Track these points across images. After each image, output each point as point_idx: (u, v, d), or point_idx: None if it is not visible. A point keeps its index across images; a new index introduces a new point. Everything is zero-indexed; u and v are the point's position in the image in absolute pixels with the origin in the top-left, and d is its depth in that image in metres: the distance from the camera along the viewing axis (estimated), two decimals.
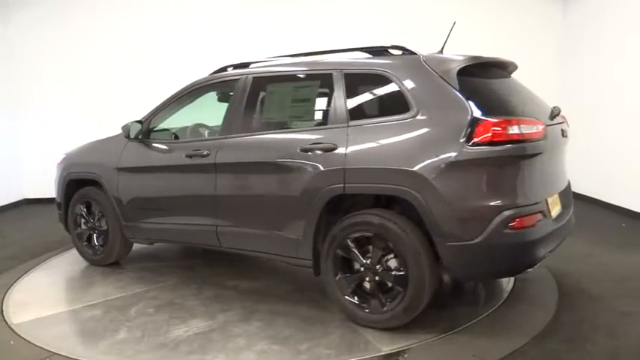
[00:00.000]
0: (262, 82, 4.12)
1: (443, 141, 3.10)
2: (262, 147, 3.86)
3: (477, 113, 3.06)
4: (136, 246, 5.15)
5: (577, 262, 4.79)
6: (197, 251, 5.23)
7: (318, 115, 3.80)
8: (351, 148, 3.37)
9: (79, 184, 5.06)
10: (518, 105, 3.43)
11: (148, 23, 8.26)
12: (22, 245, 5.90)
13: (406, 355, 3.08)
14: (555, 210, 3.48)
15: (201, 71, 4.78)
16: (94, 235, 5.01)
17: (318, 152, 3.49)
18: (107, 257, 4.94)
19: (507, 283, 4.16)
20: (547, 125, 3.32)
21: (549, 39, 8.28)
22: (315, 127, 3.73)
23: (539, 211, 3.17)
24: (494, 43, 8.21)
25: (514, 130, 3.01)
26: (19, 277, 4.75)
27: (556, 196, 3.56)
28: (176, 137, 4.60)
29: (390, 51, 3.73)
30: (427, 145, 3.15)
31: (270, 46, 7.22)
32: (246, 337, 3.39)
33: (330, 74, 3.65)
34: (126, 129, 4.63)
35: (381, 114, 3.49)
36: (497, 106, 3.24)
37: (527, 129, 3.08)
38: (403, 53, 3.64)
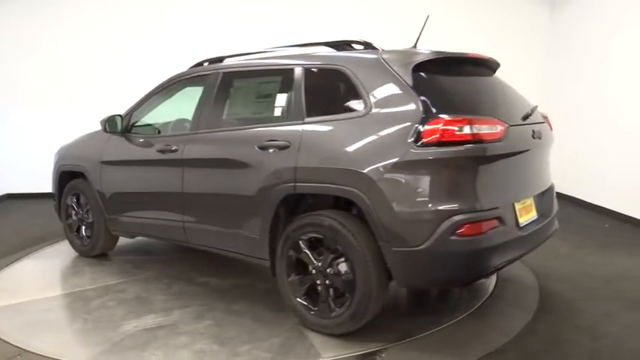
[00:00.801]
0: (230, 77, 4.07)
1: (391, 140, 2.95)
2: (224, 143, 3.82)
3: (428, 112, 2.89)
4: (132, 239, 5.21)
5: (559, 262, 4.76)
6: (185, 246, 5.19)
7: (279, 112, 3.71)
8: (303, 146, 3.27)
9: (70, 176, 5.13)
10: (483, 104, 3.29)
11: (128, 17, 8.14)
12: (4, 240, 5.77)
13: (383, 355, 3.02)
14: (528, 216, 3.32)
15: (184, 65, 4.72)
16: (82, 226, 5.06)
17: (273, 150, 3.41)
18: (93, 249, 5.00)
19: (489, 282, 4.12)
20: (512, 126, 3.12)
21: (536, 40, 8.29)
22: (274, 124, 3.62)
23: (495, 218, 2.95)
24: (481, 42, 8.23)
25: (466, 130, 2.82)
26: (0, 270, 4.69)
27: (529, 201, 3.40)
28: (159, 132, 4.60)
29: (354, 45, 3.61)
30: (375, 145, 3.00)
31: (255, 40, 7.16)
32: (191, 335, 3.34)
33: (292, 69, 3.56)
34: (103, 123, 4.65)
35: (336, 111, 3.33)
36: (456, 104, 3.06)
37: (482, 129, 2.88)
38: (365, 48, 3.53)
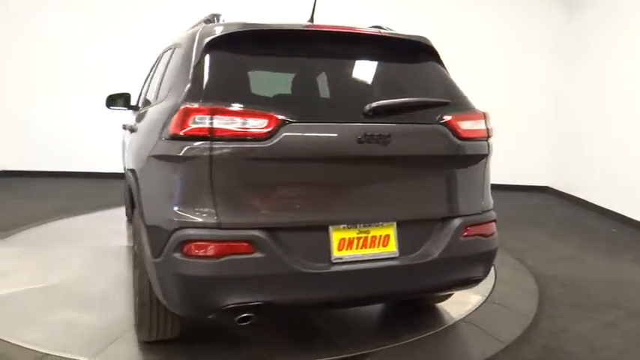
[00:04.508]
0: (163, 54, 3.90)
1: (154, 130, 2.53)
2: (135, 123, 3.67)
3: (187, 99, 2.36)
4: None
5: (562, 265, 4.58)
6: None
7: (156, 93, 3.44)
8: (134, 132, 3.13)
9: None
10: (281, 93, 2.72)
11: None
12: None
13: (368, 359, 2.85)
14: (367, 250, 2.50)
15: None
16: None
17: (131, 133, 3.30)
18: (129, 215, 5.25)
19: (486, 283, 3.92)
20: (314, 122, 2.42)
21: (553, 41, 8.22)
22: (151, 105, 3.29)
23: (246, 241, 2.29)
24: (496, 42, 8.14)
25: (204, 122, 2.25)
26: None
27: (379, 231, 2.53)
28: None
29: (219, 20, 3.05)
30: (149, 134, 2.64)
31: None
32: (43, 311, 3.32)
33: (172, 48, 3.27)
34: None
35: (162, 95, 2.98)
36: (235, 92, 2.45)
37: (228, 123, 2.26)
38: (208, 21, 2.99)
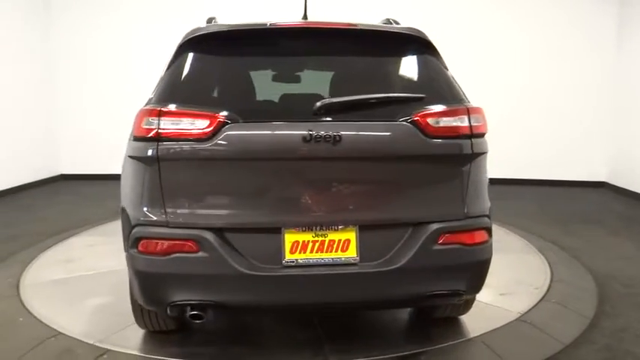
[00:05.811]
0: None
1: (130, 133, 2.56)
2: None
3: (151, 101, 2.46)
4: None
5: (622, 263, 4.40)
6: None
7: None
8: None
9: None
10: (238, 93, 2.65)
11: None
12: (50, 221, 5.87)
13: (422, 358, 2.82)
14: (324, 254, 2.40)
15: None
16: None
17: None
18: None
19: (543, 281, 3.83)
20: (260, 122, 2.39)
21: (604, 38, 8.00)
22: None
23: (191, 240, 2.32)
24: (546, 40, 7.94)
25: (153, 124, 2.31)
26: (40, 253, 4.68)
27: (339, 235, 2.41)
28: None
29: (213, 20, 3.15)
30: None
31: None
32: (82, 296, 3.59)
33: None
34: None
35: None
36: (197, 93, 2.51)
37: (172, 124, 2.31)
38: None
